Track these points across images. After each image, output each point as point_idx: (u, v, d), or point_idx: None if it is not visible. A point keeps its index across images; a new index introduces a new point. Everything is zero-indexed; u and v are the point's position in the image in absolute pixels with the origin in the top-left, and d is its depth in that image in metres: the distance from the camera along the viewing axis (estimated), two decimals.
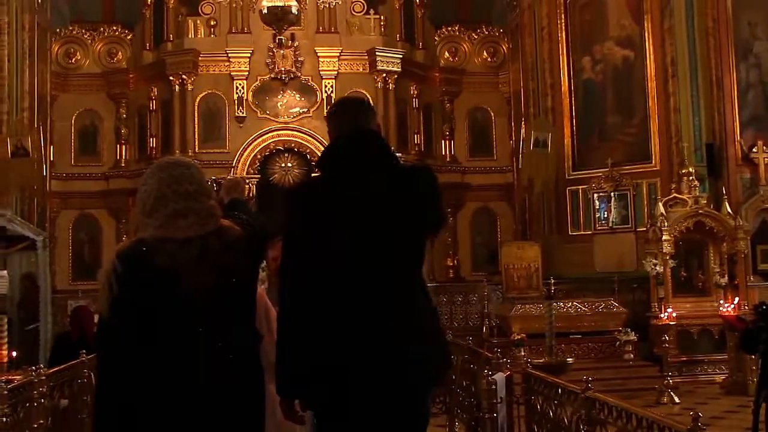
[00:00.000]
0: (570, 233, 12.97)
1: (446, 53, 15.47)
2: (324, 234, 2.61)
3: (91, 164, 14.80)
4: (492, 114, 15.46)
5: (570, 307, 10.76)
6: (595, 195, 12.63)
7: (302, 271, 2.62)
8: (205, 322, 2.54)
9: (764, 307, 5.08)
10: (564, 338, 10.57)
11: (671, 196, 11.27)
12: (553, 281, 11.46)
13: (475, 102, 15.45)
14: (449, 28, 15.50)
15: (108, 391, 2.52)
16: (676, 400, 9.16)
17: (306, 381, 2.60)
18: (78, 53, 15.06)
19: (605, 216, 12.59)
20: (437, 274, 14.73)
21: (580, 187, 12.86)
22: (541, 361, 5.20)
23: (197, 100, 13.89)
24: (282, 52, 13.51)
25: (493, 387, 3.52)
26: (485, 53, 15.61)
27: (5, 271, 10.23)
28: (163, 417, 2.48)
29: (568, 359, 5.23)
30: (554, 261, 12.63)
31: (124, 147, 14.75)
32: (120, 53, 15.02)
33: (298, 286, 2.62)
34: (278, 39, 11.03)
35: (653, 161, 12.38)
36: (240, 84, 13.88)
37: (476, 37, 15.57)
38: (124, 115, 14.75)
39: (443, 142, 15.23)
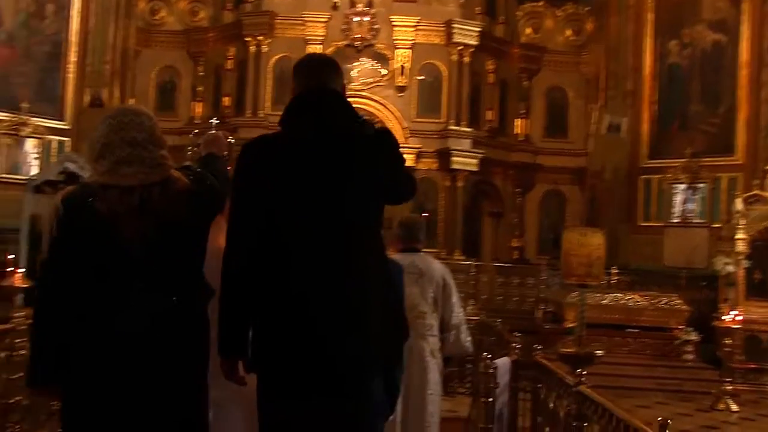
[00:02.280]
0: (640, 224, 12.47)
1: (528, 29, 15.03)
2: (270, 190, 2.53)
3: (167, 119, 14.98)
4: (571, 94, 14.99)
5: (629, 299, 10.32)
6: (671, 186, 12.07)
7: (247, 227, 2.54)
8: (144, 271, 2.50)
9: None
10: (619, 331, 10.19)
11: (752, 193, 10.64)
12: (614, 271, 11.06)
13: (554, 81, 15.01)
14: (533, 3, 15.04)
15: (42, 333, 2.52)
16: (734, 408, 8.67)
17: (248, 341, 2.53)
18: (162, 10, 15.28)
19: (679, 209, 12.03)
20: (501, 255, 14.46)
21: (655, 176, 12.34)
22: (568, 350, 4.90)
23: (271, 63, 13.91)
24: (358, 19, 13.37)
25: (491, 371, 3.31)
26: (569, 31, 15.10)
27: None
28: (97, 361, 2.46)
29: (597, 351, 4.92)
30: (621, 251, 12.17)
31: (199, 104, 14.93)
32: (202, 12, 15.18)
33: (243, 243, 2.54)
34: (334, 2, 10.81)
35: (736, 154, 11.76)
36: (314, 48, 13.74)
37: (560, 14, 15.07)
38: (202, 73, 14.93)
39: (517, 120, 14.87)
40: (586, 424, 2.76)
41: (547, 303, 11.33)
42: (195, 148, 3.46)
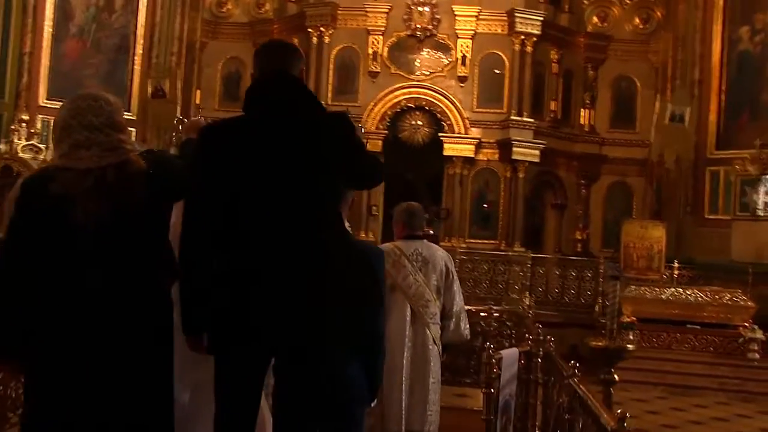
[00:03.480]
0: (706, 216, 12.04)
1: (594, 18, 14.68)
2: (225, 172, 2.60)
3: (233, 110, 15.19)
4: (638, 84, 14.57)
5: (690, 294, 10.02)
6: (739, 178, 11.61)
7: (204, 209, 2.61)
8: (100, 252, 2.53)
9: None
10: (680, 327, 9.92)
11: None
12: (676, 265, 10.75)
13: (622, 71, 14.62)
14: None
15: (1, 311, 2.56)
16: None
17: (208, 320, 2.62)
18: (229, 3, 15.52)
19: (748, 201, 11.57)
20: (564, 247, 14.21)
21: (723, 167, 11.88)
22: (598, 344, 4.79)
23: (333, 53, 13.96)
24: (419, 9, 13.32)
25: (493, 361, 3.27)
26: (637, 19, 14.67)
27: None
28: (55, 339, 2.51)
29: (628, 346, 4.79)
30: (685, 244, 11.80)
31: None
32: (267, 4, 15.34)
33: (199, 224, 2.60)
34: None
35: None
36: (376, 39, 13.80)
37: (629, 2, 14.65)
38: None
39: (582, 110, 14.56)
40: (574, 416, 2.70)
41: (605, 296, 11.09)
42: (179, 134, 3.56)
